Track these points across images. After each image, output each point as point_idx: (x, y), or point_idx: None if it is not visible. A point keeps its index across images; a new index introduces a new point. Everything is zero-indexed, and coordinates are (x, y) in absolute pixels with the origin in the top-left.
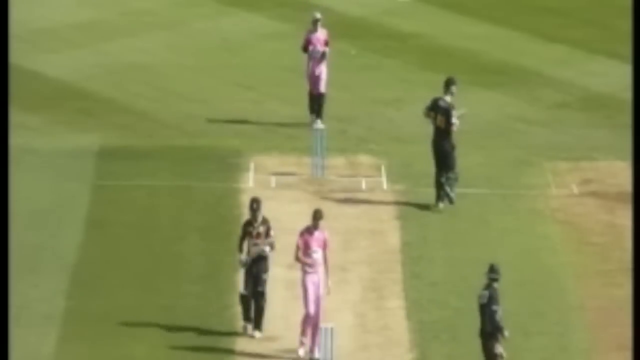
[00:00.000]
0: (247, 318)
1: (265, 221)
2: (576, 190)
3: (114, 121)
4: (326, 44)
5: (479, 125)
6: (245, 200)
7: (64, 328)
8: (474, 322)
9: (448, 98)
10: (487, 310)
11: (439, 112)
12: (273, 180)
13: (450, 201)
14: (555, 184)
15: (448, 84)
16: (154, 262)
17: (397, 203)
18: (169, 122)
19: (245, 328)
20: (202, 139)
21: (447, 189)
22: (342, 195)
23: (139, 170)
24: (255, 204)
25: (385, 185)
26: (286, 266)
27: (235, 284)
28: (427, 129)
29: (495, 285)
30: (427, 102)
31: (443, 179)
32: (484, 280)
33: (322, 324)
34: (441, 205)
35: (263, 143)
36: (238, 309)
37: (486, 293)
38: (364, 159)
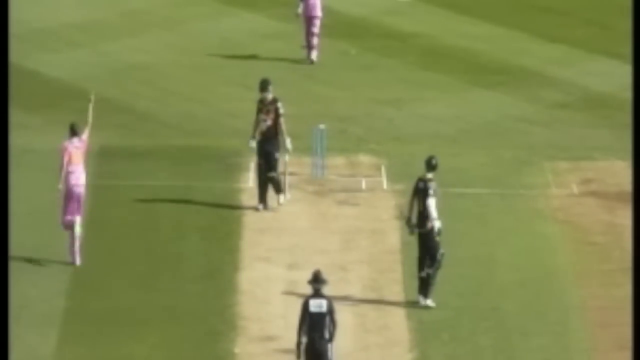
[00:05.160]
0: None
1: (274, 100)
2: (576, 190)
3: (114, 121)
4: None
5: (479, 125)
6: (246, 200)
7: (64, 328)
8: (474, 322)
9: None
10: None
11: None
12: None
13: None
14: (555, 184)
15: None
16: (154, 262)
17: (397, 203)
18: (169, 122)
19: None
20: (202, 139)
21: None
22: (342, 195)
23: (139, 170)
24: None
25: (385, 185)
26: (286, 266)
27: (235, 284)
28: (427, 129)
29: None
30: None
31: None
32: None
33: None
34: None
35: None
36: (238, 309)
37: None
38: (364, 158)
